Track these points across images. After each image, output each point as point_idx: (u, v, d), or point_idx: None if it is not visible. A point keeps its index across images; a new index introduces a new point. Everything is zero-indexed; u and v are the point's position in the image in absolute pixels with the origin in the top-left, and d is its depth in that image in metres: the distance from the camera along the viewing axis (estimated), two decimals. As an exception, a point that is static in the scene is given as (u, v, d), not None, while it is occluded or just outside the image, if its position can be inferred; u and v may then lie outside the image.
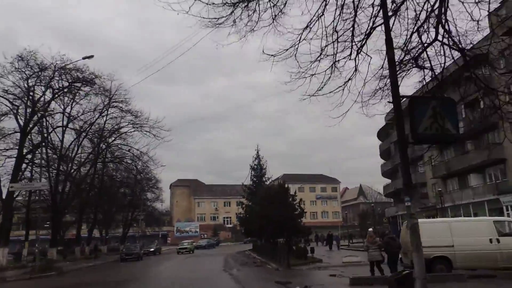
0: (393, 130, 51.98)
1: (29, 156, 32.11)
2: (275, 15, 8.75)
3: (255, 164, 52.91)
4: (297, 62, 9.46)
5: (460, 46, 8.64)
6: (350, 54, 9.66)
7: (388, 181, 60.45)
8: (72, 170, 36.16)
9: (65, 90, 31.95)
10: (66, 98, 33.29)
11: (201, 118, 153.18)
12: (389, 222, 55.37)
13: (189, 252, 49.02)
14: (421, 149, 46.13)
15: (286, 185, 26.86)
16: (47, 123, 31.91)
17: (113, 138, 39.15)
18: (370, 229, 18.82)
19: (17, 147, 29.77)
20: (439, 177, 40.95)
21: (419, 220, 9.25)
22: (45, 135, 32.09)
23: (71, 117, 33.87)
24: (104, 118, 37.11)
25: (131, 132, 38.32)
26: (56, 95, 32.01)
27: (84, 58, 27.13)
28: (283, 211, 26.02)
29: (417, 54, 9.30)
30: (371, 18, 9.11)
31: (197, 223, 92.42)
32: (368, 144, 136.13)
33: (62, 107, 33.71)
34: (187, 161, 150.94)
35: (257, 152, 53.05)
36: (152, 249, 50.11)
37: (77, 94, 32.74)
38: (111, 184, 45.80)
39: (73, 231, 61.83)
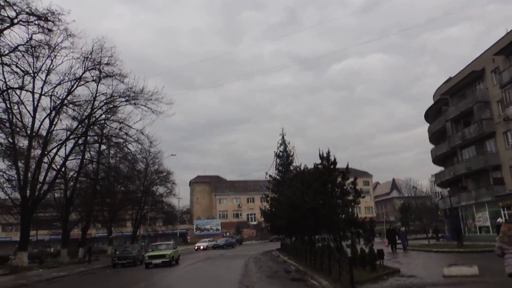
0: (448, 105, 41.64)
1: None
2: None
3: (280, 151, 43.82)
4: None
5: None
6: None
7: (438, 168, 49.98)
8: (47, 153, 27.47)
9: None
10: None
11: (220, 121, 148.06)
12: (446, 215, 44.84)
13: (167, 263, 25.05)
14: (491, 125, 36.10)
15: (332, 157, 17.28)
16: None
17: (100, 113, 30.29)
18: (500, 219, 9.63)
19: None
20: (523, 156, 30.53)
21: None
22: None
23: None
24: (91, 89, 28.47)
25: (122, 105, 29.52)
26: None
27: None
28: (330, 196, 16.69)
29: None
30: None
31: (218, 220, 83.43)
32: (389, 141, 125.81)
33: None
34: (208, 163, 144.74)
35: (283, 136, 43.91)
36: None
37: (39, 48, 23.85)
38: (108, 175, 37.26)
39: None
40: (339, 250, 16.78)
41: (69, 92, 27.03)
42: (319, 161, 18.07)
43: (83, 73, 27.24)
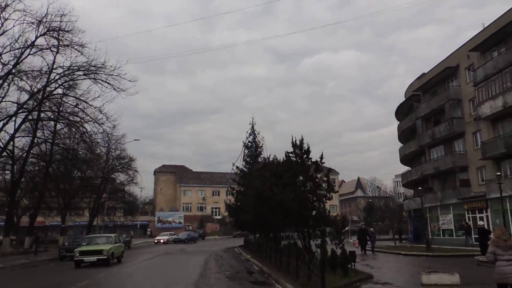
0: (420, 102, 41.10)
1: None
2: None
3: (249, 141, 41.89)
4: None
5: None
6: None
7: (402, 169, 49.82)
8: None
9: None
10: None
11: (190, 110, 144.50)
12: (410, 216, 44.53)
13: (105, 262, 19.67)
14: (461, 125, 35.60)
15: (305, 145, 15.53)
16: None
17: (55, 87, 27.28)
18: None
19: None
20: (492, 158, 30.08)
21: None
22: None
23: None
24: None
25: (81, 79, 26.72)
26: None
27: None
28: (301, 190, 15.04)
29: None
30: None
31: (181, 213, 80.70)
32: (357, 140, 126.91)
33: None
34: (175, 152, 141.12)
35: (252, 126, 41.85)
36: (118, 243, 38.63)
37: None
38: (64, 158, 34.20)
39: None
40: (308, 250, 15.17)
41: (19, 59, 24.03)
42: (289, 154, 16.37)
43: (35, 39, 24.30)
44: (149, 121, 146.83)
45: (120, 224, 60.81)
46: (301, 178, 15.12)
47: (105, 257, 19.46)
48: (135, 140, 49.13)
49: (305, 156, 15.39)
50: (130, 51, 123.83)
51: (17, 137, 28.47)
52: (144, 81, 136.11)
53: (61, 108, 29.44)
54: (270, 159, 24.64)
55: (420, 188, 35.36)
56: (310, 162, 15.42)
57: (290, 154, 15.96)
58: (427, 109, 38.36)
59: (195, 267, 18.49)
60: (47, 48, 24.79)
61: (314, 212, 14.93)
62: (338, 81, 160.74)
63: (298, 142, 15.62)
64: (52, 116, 29.10)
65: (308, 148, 15.44)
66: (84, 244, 21.18)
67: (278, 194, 15.02)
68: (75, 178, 41.66)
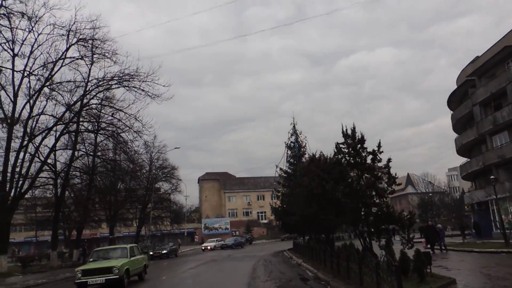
0: (476, 88, 37.42)
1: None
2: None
3: (291, 142, 40.00)
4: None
5: None
6: None
7: (454, 163, 45.75)
8: (27, 141, 23.99)
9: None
10: None
11: (229, 120, 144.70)
12: (473, 210, 40.61)
13: (117, 282, 14.35)
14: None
15: (358, 134, 13.44)
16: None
17: (91, 97, 26.77)
18: None
19: None
20: None
21: None
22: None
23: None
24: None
25: (114, 88, 26.04)
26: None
27: None
28: (356, 184, 13.00)
29: None
30: None
31: (227, 219, 79.75)
32: (400, 137, 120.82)
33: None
34: (218, 161, 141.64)
35: (294, 126, 40.05)
36: (165, 251, 37.92)
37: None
38: (107, 170, 33.87)
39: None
40: (371, 253, 13.03)
41: (51, 71, 23.68)
42: (339, 145, 14.33)
43: (66, 50, 23.83)
44: (190, 133, 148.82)
45: (167, 233, 60.76)
46: (357, 170, 13.02)
47: (117, 276, 14.08)
48: (175, 148, 48.94)
49: (359, 146, 13.30)
50: (168, 67, 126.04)
51: (58, 150, 28.26)
52: (183, 94, 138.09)
53: (99, 120, 29.02)
54: (316, 156, 22.67)
55: (491, 177, 31.67)
56: (366, 153, 13.31)
57: (341, 145, 13.92)
58: (485, 93, 34.77)
59: (243, 275, 16.78)
60: (80, 58, 24.34)
61: (374, 209, 12.79)
62: (376, 79, 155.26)
63: (349, 131, 13.56)
64: (90, 128, 28.68)
65: (363, 137, 13.34)
66: (91, 260, 16.14)
67: (330, 191, 13.02)
68: (120, 189, 41.52)
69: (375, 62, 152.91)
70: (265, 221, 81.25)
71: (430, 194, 66.21)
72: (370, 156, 13.31)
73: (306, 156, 36.58)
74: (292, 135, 39.84)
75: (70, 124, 26.56)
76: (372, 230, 12.91)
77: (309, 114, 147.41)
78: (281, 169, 39.45)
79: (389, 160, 13.09)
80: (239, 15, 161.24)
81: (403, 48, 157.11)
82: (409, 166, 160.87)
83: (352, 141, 13.27)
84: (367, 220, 13.30)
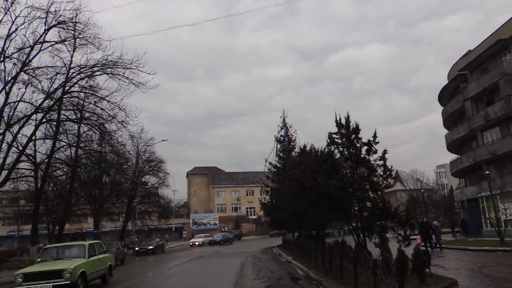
0: (468, 83, 36.95)
1: None
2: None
3: (281, 135, 39.19)
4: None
5: None
6: None
7: (442, 160, 45.43)
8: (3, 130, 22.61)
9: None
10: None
11: (219, 114, 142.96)
12: (464, 208, 40.28)
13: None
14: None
15: (352, 123, 12.56)
16: None
17: (72, 84, 25.37)
18: None
19: None
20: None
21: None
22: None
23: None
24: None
25: (97, 75, 24.77)
26: None
27: None
28: (349, 178, 12.19)
29: None
30: None
31: (216, 214, 78.75)
32: (389, 133, 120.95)
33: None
34: (207, 156, 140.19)
35: (283, 119, 39.23)
36: (151, 247, 36.86)
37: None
38: (91, 162, 32.58)
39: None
40: (364, 251, 12.26)
41: (28, 56, 22.20)
42: (332, 135, 13.48)
43: (45, 32, 22.39)
44: (180, 127, 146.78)
45: (154, 228, 59.63)
46: (351, 162, 12.19)
47: (68, 281, 11.41)
48: (163, 140, 47.44)
49: (353, 136, 12.46)
50: (156, 59, 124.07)
51: (38, 139, 26.96)
52: (172, 88, 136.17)
53: (82, 109, 27.73)
54: (307, 149, 21.83)
55: (486, 173, 31.19)
56: (360, 144, 12.49)
57: (334, 135, 13.06)
58: (477, 88, 34.26)
59: (230, 273, 15.91)
60: (60, 42, 22.95)
61: (369, 204, 11.99)
62: (365, 76, 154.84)
63: (343, 120, 12.71)
64: (73, 118, 27.35)
65: (357, 126, 12.49)
66: (39, 260, 13.19)
67: (322, 183, 12.17)
68: (106, 183, 40.26)
69: (365, 59, 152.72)
70: (254, 217, 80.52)
71: (422, 191, 66.04)
72: (365, 148, 12.47)
73: (297, 150, 35.82)
74: (282, 128, 39.00)
75: (51, 112, 25.24)
76: (366, 225, 12.10)
77: (298, 109, 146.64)
78: (270, 163, 38.68)
79: (384, 152, 12.26)
80: (230, 7, 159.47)
81: (392, 44, 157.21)
82: (398, 163, 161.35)
83: (346, 131, 12.42)
84: (360, 215, 12.49)
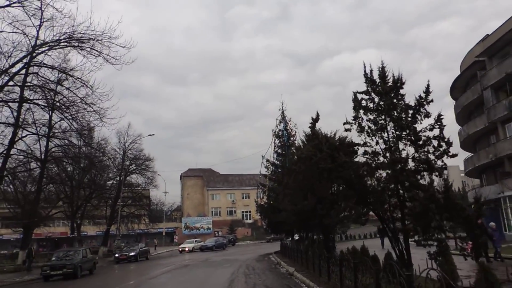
0: (486, 70, 32.93)
1: None
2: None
3: (279, 130, 35.16)
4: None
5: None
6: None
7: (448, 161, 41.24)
8: None
9: None
10: None
11: (214, 119, 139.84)
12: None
13: None
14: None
15: (390, 75, 8.37)
16: None
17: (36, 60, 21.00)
18: None
19: None
20: None
21: None
22: None
23: None
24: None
25: (62, 47, 20.44)
26: None
27: None
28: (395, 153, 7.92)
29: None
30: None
31: (210, 218, 73.99)
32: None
33: None
34: (202, 160, 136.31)
35: (282, 112, 35.25)
36: (133, 253, 32.28)
37: None
38: (66, 155, 28.13)
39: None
40: (407, 265, 7.99)
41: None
42: (359, 94, 9.22)
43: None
44: (175, 131, 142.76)
45: (142, 232, 55.18)
46: (393, 130, 7.95)
47: None
48: (149, 135, 43.18)
49: (393, 92, 8.20)
50: (153, 65, 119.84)
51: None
52: (167, 93, 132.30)
53: (52, 94, 23.44)
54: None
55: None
56: (404, 105, 8.25)
57: (363, 96, 8.78)
58: (499, 75, 30.19)
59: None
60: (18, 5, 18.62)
61: (420, 194, 7.74)
62: (360, 80, 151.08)
63: (378, 72, 8.46)
64: (42, 104, 22.95)
65: (400, 78, 8.26)
66: None
67: (350, 164, 7.88)
68: (83, 182, 35.72)
69: (359, 64, 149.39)
70: (250, 221, 76.00)
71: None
72: (410, 112, 8.22)
73: (297, 144, 31.64)
74: (280, 122, 34.99)
75: (8, 92, 20.92)
76: (417, 227, 7.80)
77: (294, 114, 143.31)
78: (267, 160, 34.58)
79: (439, 116, 8.03)
80: (224, 13, 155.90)
81: (385, 50, 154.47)
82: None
83: (383, 83, 8.18)
84: (402, 211, 8.22)
